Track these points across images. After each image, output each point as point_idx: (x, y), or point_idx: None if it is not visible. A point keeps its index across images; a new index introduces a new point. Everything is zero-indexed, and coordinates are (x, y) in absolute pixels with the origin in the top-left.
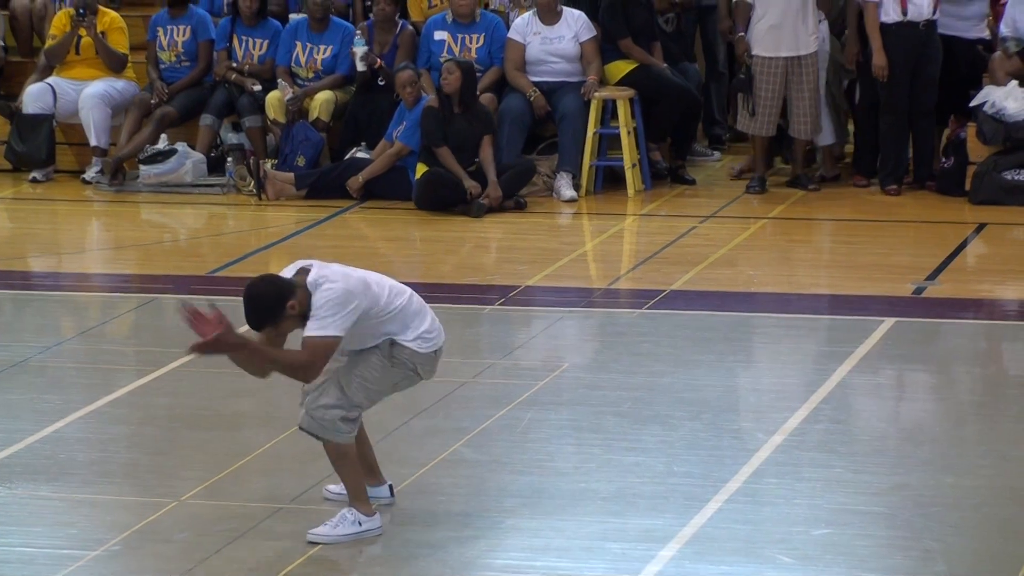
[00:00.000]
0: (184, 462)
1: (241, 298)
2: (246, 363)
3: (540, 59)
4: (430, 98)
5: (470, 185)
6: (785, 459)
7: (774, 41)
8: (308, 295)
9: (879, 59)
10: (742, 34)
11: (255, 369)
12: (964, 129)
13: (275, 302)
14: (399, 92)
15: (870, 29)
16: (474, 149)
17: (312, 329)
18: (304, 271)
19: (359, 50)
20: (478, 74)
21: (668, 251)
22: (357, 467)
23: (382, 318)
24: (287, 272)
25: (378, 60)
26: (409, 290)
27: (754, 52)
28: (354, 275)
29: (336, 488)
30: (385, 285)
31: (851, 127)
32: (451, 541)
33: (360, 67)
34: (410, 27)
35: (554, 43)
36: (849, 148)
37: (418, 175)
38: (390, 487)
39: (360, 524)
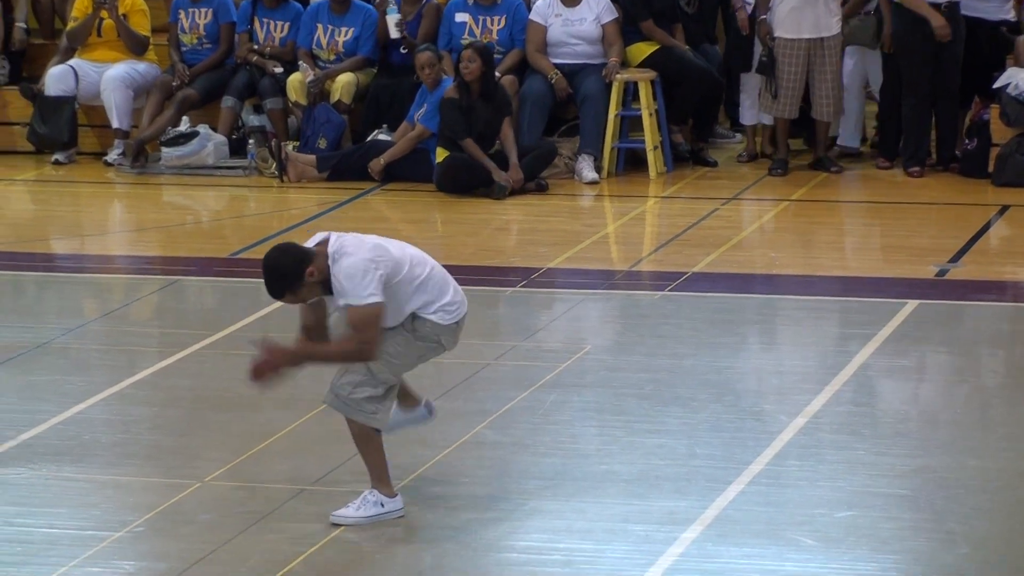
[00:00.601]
0: (207, 443)
1: (257, 280)
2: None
3: (561, 41)
4: (448, 88)
5: (501, 178)
6: (808, 441)
7: (796, 23)
8: (327, 263)
9: (937, 20)
10: (764, 16)
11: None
12: (987, 111)
13: (293, 269)
14: (419, 73)
15: (915, 4)
16: (495, 133)
17: (352, 304)
18: (324, 242)
19: (392, 17)
20: (499, 56)
21: (690, 233)
22: (381, 449)
23: (405, 289)
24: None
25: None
26: (431, 260)
27: (776, 34)
28: (370, 241)
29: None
30: (407, 254)
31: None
32: (473, 523)
33: (394, 34)
34: (435, 0)
35: (575, 25)
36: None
37: (439, 159)
38: (427, 404)
39: (382, 505)
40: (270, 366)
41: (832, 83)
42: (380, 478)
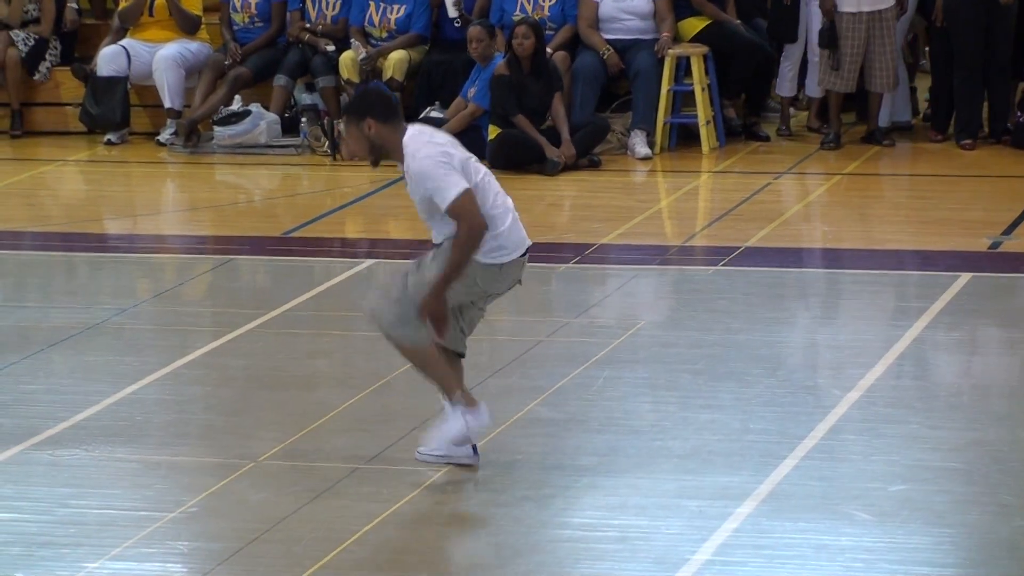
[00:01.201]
0: (261, 423)
1: (310, 259)
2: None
3: (613, 16)
4: (498, 65)
5: (553, 154)
6: (861, 415)
7: None
8: (393, 140)
9: None
10: None
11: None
12: None
13: (359, 107)
14: (469, 48)
15: None
16: (546, 109)
17: (442, 203)
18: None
19: None
20: (551, 32)
21: (743, 208)
22: (438, 361)
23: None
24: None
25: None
26: (497, 187)
27: (840, 9)
28: (439, 138)
29: (425, 449)
30: (473, 167)
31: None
32: (527, 500)
33: (452, 13)
34: None
35: (628, 0)
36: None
37: (491, 136)
38: (474, 447)
39: (465, 418)
40: (435, 313)
41: (890, 55)
42: (449, 389)
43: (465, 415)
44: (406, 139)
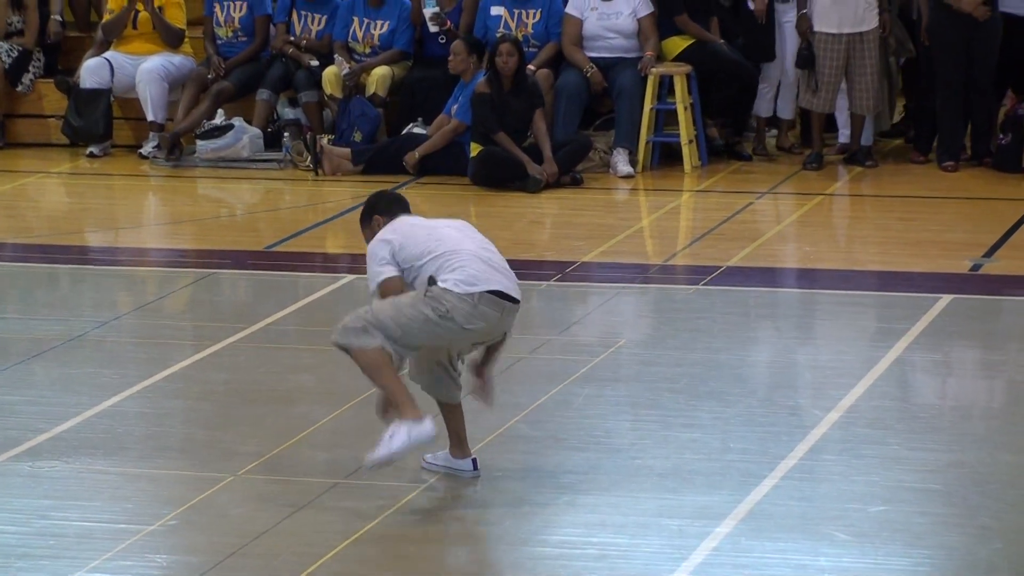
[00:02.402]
0: (241, 437)
1: (292, 274)
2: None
3: (597, 35)
4: (479, 83)
5: (535, 171)
6: (842, 436)
7: (836, 17)
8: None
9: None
10: (804, 11)
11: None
12: (1022, 106)
13: (368, 207)
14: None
15: None
16: (527, 126)
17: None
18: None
19: (429, 11)
20: (534, 50)
21: (725, 227)
22: (390, 372)
23: (419, 261)
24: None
25: (447, 22)
26: (462, 246)
27: (816, 28)
28: (402, 225)
29: (431, 457)
30: (438, 234)
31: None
32: (507, 517)
33: (432, 28)
34: None
35: (611, 19)
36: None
37: (473, 153)
38: (473, 461)
39: (408, 434)
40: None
41: (871, 77)
42: (399, 403)
43: (407, 431)
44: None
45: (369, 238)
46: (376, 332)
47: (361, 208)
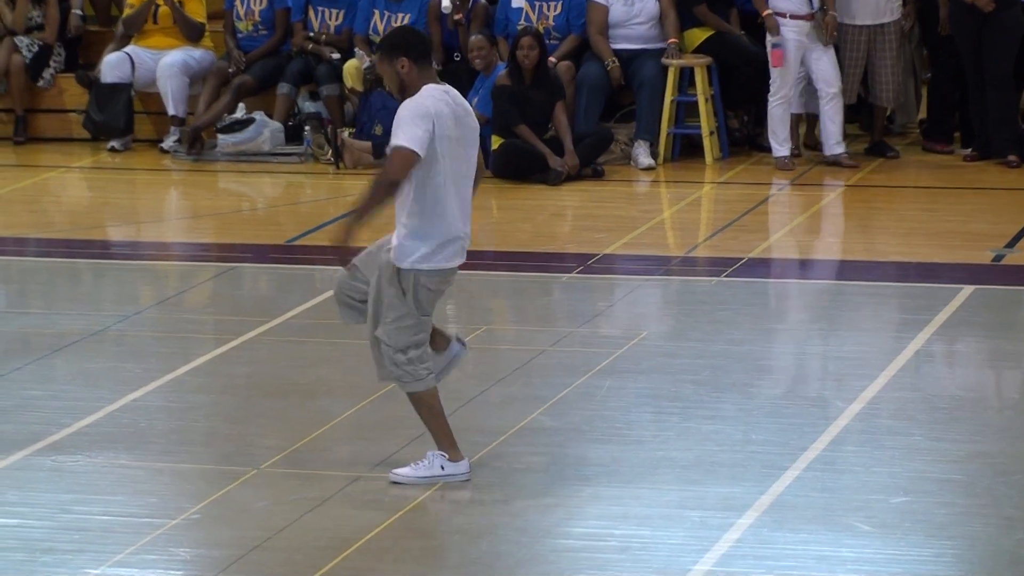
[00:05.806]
0: (263, 431)
1: (315, 266)
2: (371, 212)
3: (622, 21)
4: (500, 75)
5: (556, 163)
6: (864, 427)
7: (857, 9)
8: (418, 84)
9: None
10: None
11: (378, 207)
12: None
13: (397, 44)
14: (470, 57)
15: None
16: (548, 118)
17: (392, 141)
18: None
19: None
20: (555, 42)
21: (746, 219)
22: (437, 411)
23: (427, 177)
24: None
25: (460, 12)
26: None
27: (840, 20)
28: (449, 99)
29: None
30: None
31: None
32: (530, 509)
33: (445, 3)
34: (483, 0)
35: (636, 4)
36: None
37: (494, 146)
38: (459, 339)
39: (443, 468)
40: (341, 254)
41: (892, 68)
42: (441, 441)
43: (442, 466)
44: (427, 87)
45: (391, 77)
46: (409, 373)
47: (387, 36)
